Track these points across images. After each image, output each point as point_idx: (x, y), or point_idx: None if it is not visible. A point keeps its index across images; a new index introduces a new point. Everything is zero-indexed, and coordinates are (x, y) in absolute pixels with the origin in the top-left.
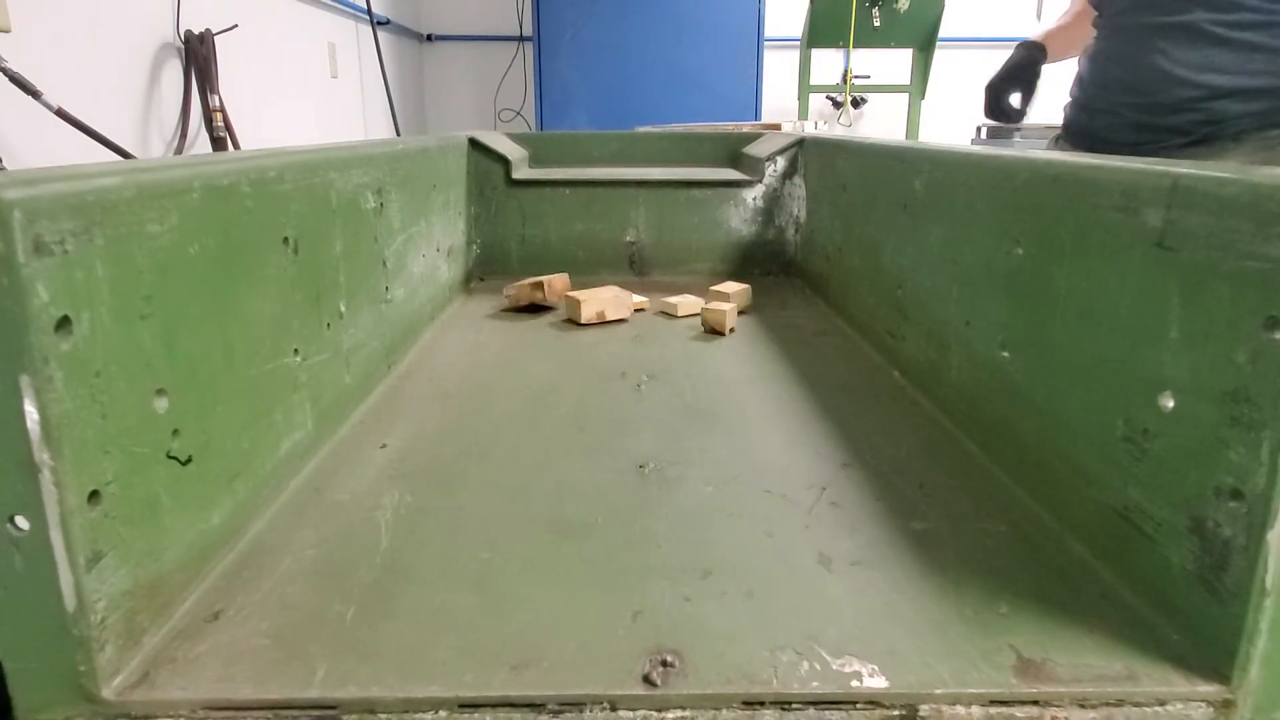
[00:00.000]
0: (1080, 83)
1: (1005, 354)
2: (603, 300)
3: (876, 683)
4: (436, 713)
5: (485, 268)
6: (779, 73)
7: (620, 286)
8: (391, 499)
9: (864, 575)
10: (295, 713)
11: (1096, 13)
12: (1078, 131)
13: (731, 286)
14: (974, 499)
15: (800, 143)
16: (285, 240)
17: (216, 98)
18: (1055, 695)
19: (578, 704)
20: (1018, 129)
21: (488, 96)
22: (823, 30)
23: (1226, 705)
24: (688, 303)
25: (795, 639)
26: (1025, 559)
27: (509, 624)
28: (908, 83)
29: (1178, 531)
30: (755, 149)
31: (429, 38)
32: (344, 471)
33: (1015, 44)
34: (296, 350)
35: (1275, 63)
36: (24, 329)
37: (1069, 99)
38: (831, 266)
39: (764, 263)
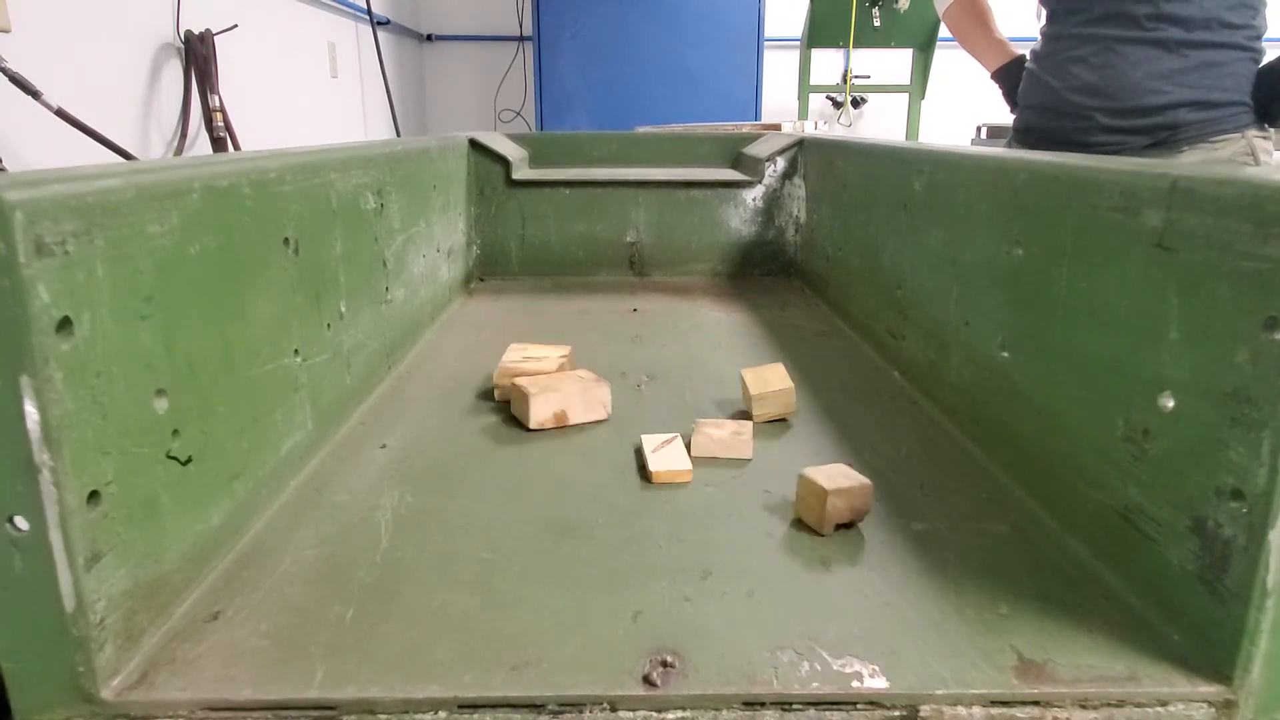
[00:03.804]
0: (1038, 86)
1: (1005, 354)
2: (565, 396)
3: (877, 683)
4: (436, 713)
5: (485, 268)
6: (779, 73)
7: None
8: (391, 499)
9: (864, 575)
10: (294, 713)
11: (1046, 20)
12: (1038, 134)
13: (770, 378)
14: (974, 499)
15: (800, 143)
16: (285, 241)
17: (216, 98)
18: (1056, 696)
19: (578, 704)
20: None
21: (488, 96)
22: (823, 30)
23: (1228, 706)
24: (742, 439)
25: (795, 639)
26: (1025, 559)
27: (509, 624)
28: (908, 83)
29: (1178, 532)
30: (755, 149)
31: (429, 38)
32: (344, 472)
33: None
34: (297, 351)
35: (1222, 79)
36: (25, 330)
37: (1016, 102)
38: (831, 267)
39: (764, 263)
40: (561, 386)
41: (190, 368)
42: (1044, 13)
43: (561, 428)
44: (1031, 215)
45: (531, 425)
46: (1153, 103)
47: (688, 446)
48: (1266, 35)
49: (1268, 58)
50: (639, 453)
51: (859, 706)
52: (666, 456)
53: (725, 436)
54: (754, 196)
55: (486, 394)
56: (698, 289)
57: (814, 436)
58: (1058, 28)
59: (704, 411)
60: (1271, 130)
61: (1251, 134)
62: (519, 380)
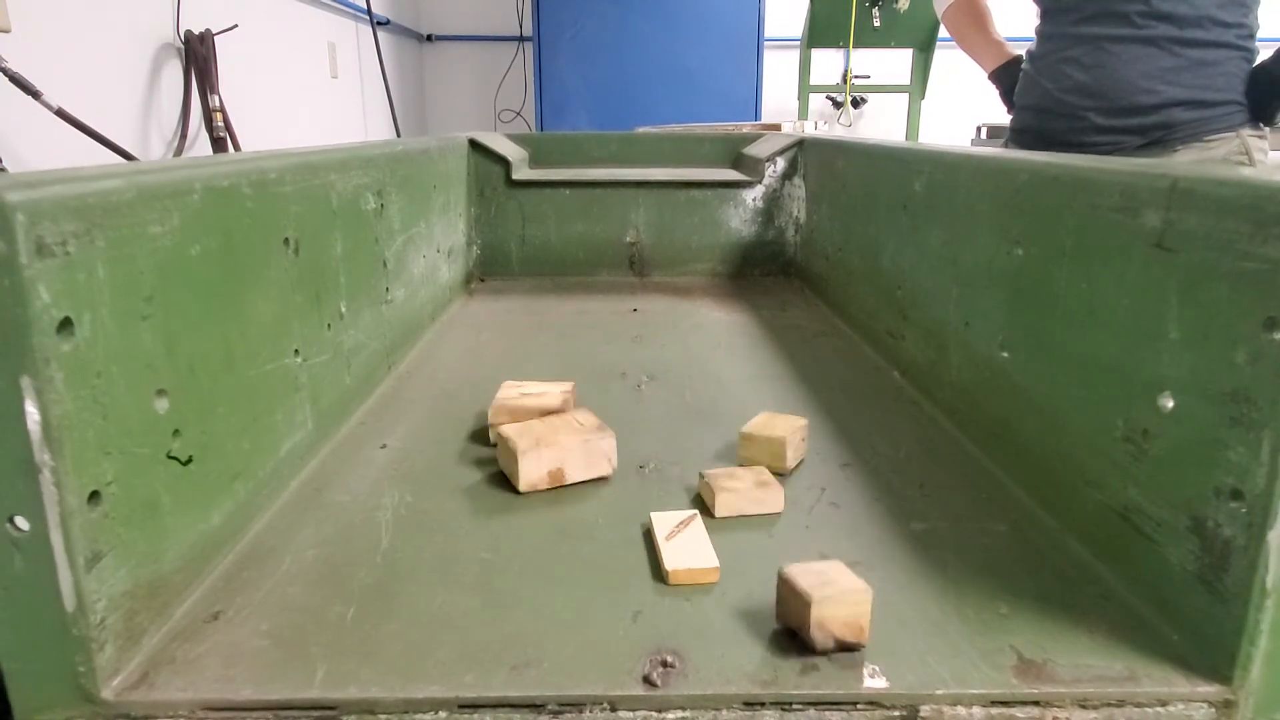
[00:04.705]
0: (1033, 86)
1: (1005, 354)
2: (561, 451)
3: (877, 683)
4: (436, 713)
5: (486, 268)
6: (779, 73)
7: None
8: (391, 499)
9: (864, 575)
10: (295, 713)
11: (1040, 19)
12: (1033, 134)
13: (781, 425)
14: (974, 499)
15: (800, 143)
16: (286, 241)
17: (216, 98)
18: (1056, 696)
19: (578, 704)
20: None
21: (488, 97)
22: (823, 30)
23: (1228, 705)
24: (771, 491)
25: (795, 639)
26: (1025, 559)
27: (509, 624)
28: (908, 83)
29: (1178, 532)
30: (755, 149)
31: (429, 38)
32: (344, 472)
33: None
34: (297, 351)
35: (1215, 78)
36: (26, 330)
37: (1013, 103)
38: (831, 267)
39: (764, 263)
40: (558, 438)
41: (191, 368)
42: (1039, 12)
43: (557, 488)
44: (1031, 215)
45: (521, 488)
46: (1146, 102)
47: (703, 507)
48: (1259, 35)
49: (1261, 57)
50: (648, 536)
51: (859, 706)
52: (685, 548)
53: (748, 489)
54: (754, 197)
55: (487, 393)
56: (698, 289)
57: (814, 436)
58: (1051, 27)
59: (704, 411)
60: (1266, 129)
61: (1246, 133)
62: (505, 430)
